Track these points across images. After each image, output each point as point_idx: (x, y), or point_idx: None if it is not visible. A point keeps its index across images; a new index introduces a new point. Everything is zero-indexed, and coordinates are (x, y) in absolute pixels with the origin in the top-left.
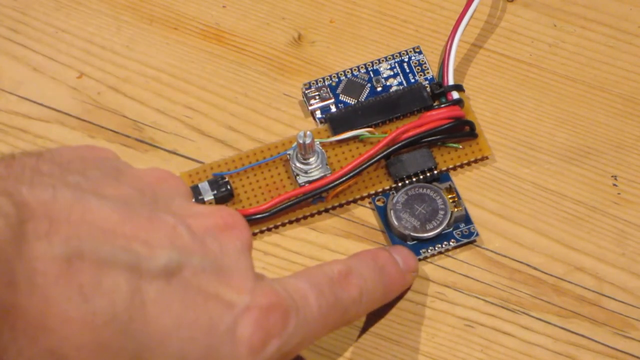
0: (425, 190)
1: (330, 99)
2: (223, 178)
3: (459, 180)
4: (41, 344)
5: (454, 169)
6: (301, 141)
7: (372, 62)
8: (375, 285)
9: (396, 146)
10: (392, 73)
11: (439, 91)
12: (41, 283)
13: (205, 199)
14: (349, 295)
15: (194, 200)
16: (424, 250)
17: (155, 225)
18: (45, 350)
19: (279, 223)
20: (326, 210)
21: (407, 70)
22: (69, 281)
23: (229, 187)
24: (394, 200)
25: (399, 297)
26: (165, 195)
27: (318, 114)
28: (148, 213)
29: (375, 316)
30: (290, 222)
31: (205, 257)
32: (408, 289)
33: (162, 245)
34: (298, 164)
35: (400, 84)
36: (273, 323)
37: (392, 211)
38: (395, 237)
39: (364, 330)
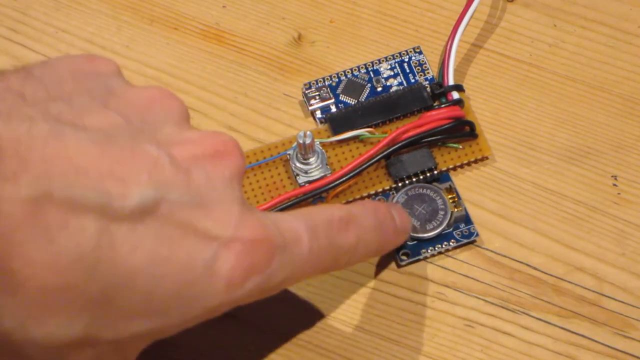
0: (425, 190)
1: (330, 99)
2: None
3: (459, 180)
4: (1, 286)
5: (454, 169)
6: (301, 141)
7: (372, 62)
8: (372, 238)
9: (396, 146)
10: (392, 73)
11: (439, 91)
12: (4, 225)
13: None
14: (345, 242)
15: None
16: (424, 250)
17: (135, 159)
18: (5, 291)
19: None
20: None
21: (408, 71)
22: (34, 223)
23: None
24: (394, 201)
25: (398, 297)
26: (154, 120)
27: (318, 114)
28: (130, 145)
29: (375, 316)
30: None
31: (187, 189)
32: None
33: (139, 182)
34: (298, 164)
35: (401, 84)
36: (256, 258)
37: None
38: None
39: (364, 330)
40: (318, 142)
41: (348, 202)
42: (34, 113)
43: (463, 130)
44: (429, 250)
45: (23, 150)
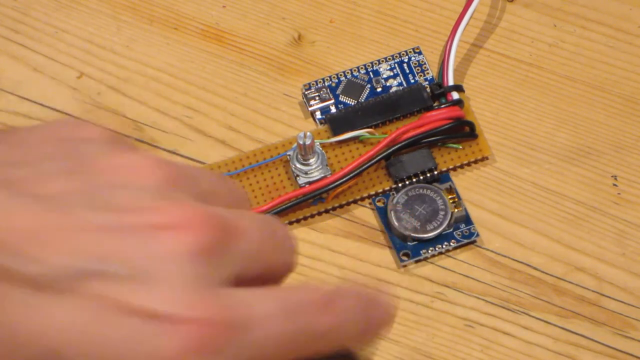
0: (425, 190)
1: (330, 99)
2: None
3: (459, 180)
4: None
5: (454, 169)
6: (301, 142)
7: (372, 63)
8: (354, 326)
9: (396, 147)
10: (392, 74)
11: (439, 92)
12: None
13: None
14: (323, 326)
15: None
16: (424, 250)
17: (70, 225)
18: None
19: None
20: (326, 211)
21: (407, 71)
22: None
23: None
24: (394, 201)
25: (398, 297)
26: (118, 184)
27: (318, 114)
28: (75, 211)
29: None
30: (291, 223)
31: (129, 262)
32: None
33: (62, 249)
34: (298, 165)
35: (400, 84)
36: (206, 341)
37: (392, 212)
38: (396, 237)
39: None
40: (318, 143)
41: (349, 203)
42: None
43: (463, 131)
44: (429, 251)
45: None
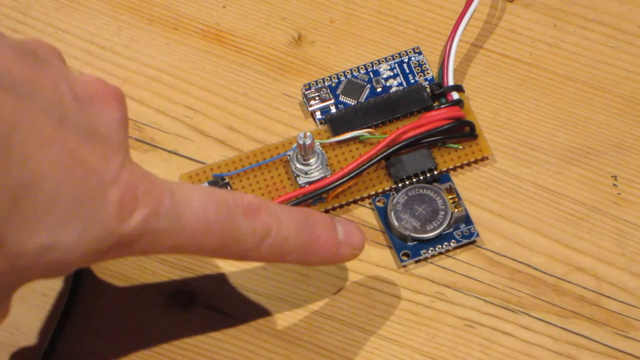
0: (425, 190)
1: (330, 99)
2: (223, 179)
3: (459, 180)
4: None
5: (454, 169)
6: (301, 142)
7: (372, 63)
8: (292, 235)
9: (396, 147)
10: (392, 74)
11: (439, 92)
12: None
13: None
14: (250, 225)
15: None
16: (424, 250)
17: (38, 75)
18: None
19: None
20: (326, 211)
21: (407, 71)
22: None
23: (229, 188)
24: (394, 201)
25: (398, 297)
26: (46, 55)
27: (318, 114)
28: (32, 62)
29: (375, 316)
30: None
31: (84, 117)
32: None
33: (47, 87)
34: (298, 165)
35: (400, 84)
36: (142, 194)
37: (392, 212)
38: (396, 237)
39: (364, 330)
40: (318, 143)
41: (348, 203)
42: None
43: (463, 131)
44: (429, 251)
45: None
